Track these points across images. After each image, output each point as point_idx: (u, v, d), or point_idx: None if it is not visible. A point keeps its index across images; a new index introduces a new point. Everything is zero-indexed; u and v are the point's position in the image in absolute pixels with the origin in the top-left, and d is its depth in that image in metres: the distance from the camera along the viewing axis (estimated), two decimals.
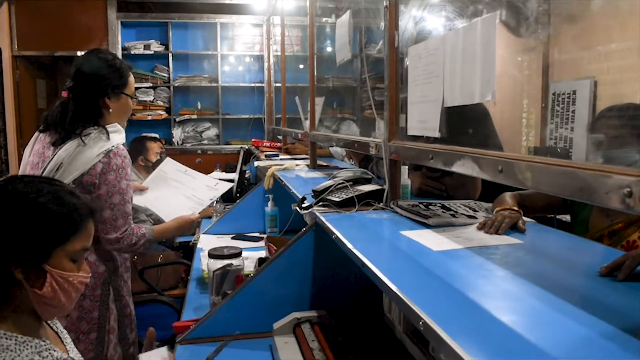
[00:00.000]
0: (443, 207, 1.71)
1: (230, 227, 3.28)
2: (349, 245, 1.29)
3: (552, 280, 1.04)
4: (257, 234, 3.23)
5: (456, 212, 1.64)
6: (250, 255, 2.39)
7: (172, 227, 2.32)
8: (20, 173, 2.14)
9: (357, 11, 2.44)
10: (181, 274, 3.44)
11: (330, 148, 4.24)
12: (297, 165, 3.19)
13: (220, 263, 1.93)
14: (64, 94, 2.05)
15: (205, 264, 2.36)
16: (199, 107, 6.20)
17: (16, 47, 5.87)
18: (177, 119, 6.12)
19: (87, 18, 5.93)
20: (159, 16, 6.06)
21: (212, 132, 6.23)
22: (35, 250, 1.14)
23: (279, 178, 2.76)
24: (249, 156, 4.77)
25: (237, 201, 3.42)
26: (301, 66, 5.55)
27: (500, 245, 1.29)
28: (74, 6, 5.88)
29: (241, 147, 5.15)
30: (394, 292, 0.96)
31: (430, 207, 1.69)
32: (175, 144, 6.08)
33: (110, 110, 2.08)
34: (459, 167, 1.24)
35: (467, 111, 1.39)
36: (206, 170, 3.84)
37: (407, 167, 1.84)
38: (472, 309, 0.89)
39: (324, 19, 3.70)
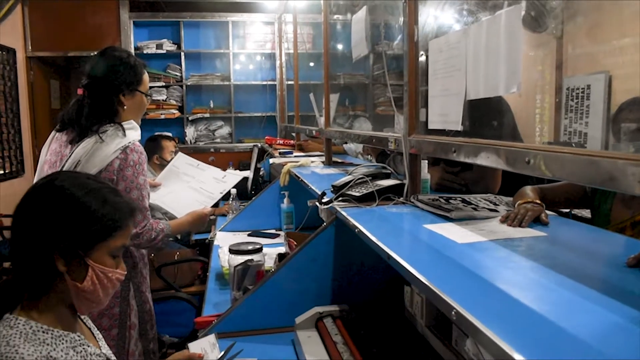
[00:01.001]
0: (463, 201, 1.71)
1: (246, 224, 3.30)
2: (374, 239, 1.29)
3: (580, 271, 1.04)
4: (273, 231, 3.24)
5: (477, 205, 1.64)
6: (269, 252, 2.40)
7: (187, 222, 2.34)
8: (37, 173, 2.16)
9: (372, 7, 2.44)
10: (197, 272, 3.47)
11: (344, 145, 4.25)
12: (312, 162, 3.20)
13: (241, 258, 1.94)
14: (80, 91, 2.07)
15: (224, 260, 2.38)
16: (212, 105, 6.22)
17: (30, 48, 5.92)
18: (190, 118, 6.14)
19: (100, 18, 5.96)
20: (170, 15, 6.09)
21: (225, 130, 6.25)
22: (79, 244, 1.16)
23: (296, 175, 2.77)
24: (262, 154, 4.79)
25: (253, 198, 3.44)
26: (312, 64, 5.55)
27: (525, 238, 1.29)
28: (86, 7, 5.92)
29: (255, 145, 5.17)
30: (424, 284, 0.96)
31: (450, 201, 1.69)
32: (188, 142, 6.11)
33: (125, 107, 2.09)
34: (484, 160, 1.24)
35: (487, 104, 1.39)
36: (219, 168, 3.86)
37: (426, 161, 1.84)
38: (502, 298, 0.90)
39: (335, 17, 3.71)
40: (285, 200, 3.16)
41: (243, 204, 3.61)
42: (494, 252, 1.18)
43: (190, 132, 6.15)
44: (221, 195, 2.62)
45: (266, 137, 5.02)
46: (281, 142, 4.76)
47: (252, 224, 3.31)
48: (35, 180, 2.01)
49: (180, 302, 2.92)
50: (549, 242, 1.27)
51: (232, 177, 2.75)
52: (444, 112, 1.50)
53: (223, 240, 3.01)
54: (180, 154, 2.82)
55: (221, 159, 5.91)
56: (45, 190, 1.18)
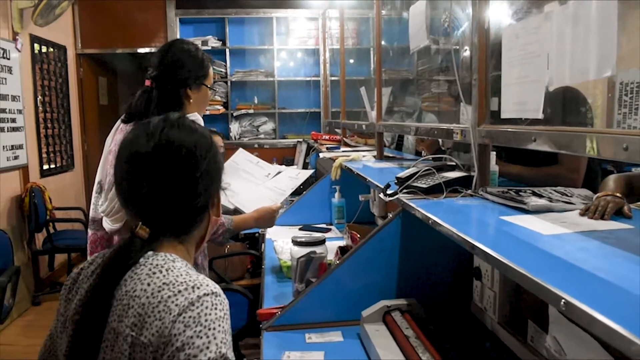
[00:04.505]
0: (534, 193, 1.66)
1: (296, 218, 3.30)
2: (454, 230, 1.26)
3: None
4: (323, 225, 3.23)
5: (550, 197, 1.59)
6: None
7: (253, 218, 2.28)
8: (101, 162, 2.16)
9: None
10: (247, 265, 3.48)
11: None
12: (363, 156, 3.17)
13: (304, 250, 1.93)
14: (147, 82, 2.07)
15: (281, 252, 2.37)
16: (256, 101, 6.26)
17: (79, 45, 6.06)
18: (235, 114, 6.19)
19: (147, 16, 6.07)
20: (215, 12, 6.15)
21: (269, 126, 6.27)
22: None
23: (349, 168, 2.74)
24: (308, 149, 4.78)
25: (303, 193, 3.43)
26: (351, 60, 5.51)
27: (612, 230, 1.24)
28: (134, 5, 6.03)
29: (303, 140, 5.16)
30: (522, 274, 0.92)
31: (521, 193, 1.64)
32: (233, 138, 6.16)
33: (191, 100, 2.09)
34: (569, 148, 1.19)
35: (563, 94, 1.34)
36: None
37: (495, 152, 1.79)
38: (610, 288, 0.85)
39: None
40: (337, 194, 3.14)
41: (292, 199, 3.61)
42: (583, 243, 1.13)
43: (234, 128, 6.19)
44: (291, 191, 2.59)
45: (312, 133, 5.02)
46: (327, 137, 4.74)
47: (302, 219, 3.31)
48: (99, 171, 2.03)
49: (233, 295, 2.92)
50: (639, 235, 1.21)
51: (305, 173, 2.75)
52: (521, 100, 1.45)
53: (275, 234, 3.01)
54: (241, 150, 2.82)
55: (265, 155, 5.88)
56: (199, 137, 1.16)
